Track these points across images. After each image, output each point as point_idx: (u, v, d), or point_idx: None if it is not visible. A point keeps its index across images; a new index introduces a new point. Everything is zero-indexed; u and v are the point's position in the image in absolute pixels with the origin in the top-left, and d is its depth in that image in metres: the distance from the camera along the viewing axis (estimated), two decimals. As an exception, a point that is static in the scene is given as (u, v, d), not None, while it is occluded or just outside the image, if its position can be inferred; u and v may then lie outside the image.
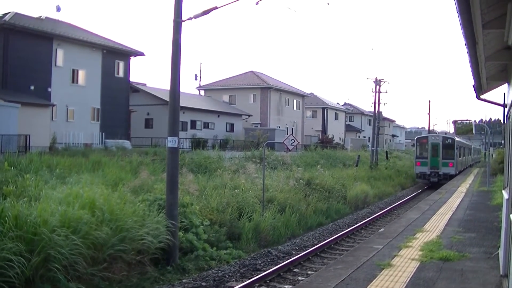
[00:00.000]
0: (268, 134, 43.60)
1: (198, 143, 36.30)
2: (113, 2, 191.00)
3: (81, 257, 8.71)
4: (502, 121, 14.78)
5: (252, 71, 57.19)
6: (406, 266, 9.31)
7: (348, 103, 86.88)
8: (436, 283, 8.18)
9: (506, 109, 9.89)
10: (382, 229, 16.06)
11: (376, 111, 46.67)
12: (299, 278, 11.60)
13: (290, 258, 13.13)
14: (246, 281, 10.83)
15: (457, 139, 37.97)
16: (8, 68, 27.79)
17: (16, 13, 29.80)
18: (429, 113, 57.99)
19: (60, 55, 30.79)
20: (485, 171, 41.14)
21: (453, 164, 35.41)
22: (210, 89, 56.03)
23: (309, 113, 66.93)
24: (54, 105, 29.46)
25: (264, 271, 11.74)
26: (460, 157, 39.08)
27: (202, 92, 56.86)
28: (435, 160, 35.30)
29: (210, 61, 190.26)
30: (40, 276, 8.17)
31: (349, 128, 78.50)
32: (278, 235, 15.92)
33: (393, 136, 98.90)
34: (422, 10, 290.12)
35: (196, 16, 12.18)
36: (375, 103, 46.27)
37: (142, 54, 37.15)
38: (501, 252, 8.95)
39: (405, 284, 8.11)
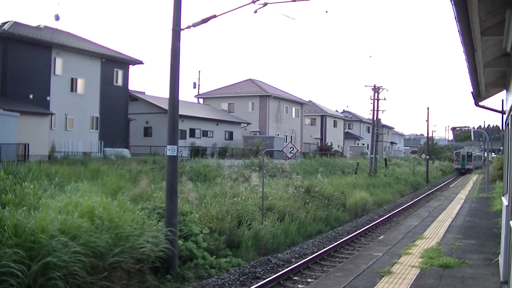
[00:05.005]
0: (267, 142, 43.59)
1: (197, 151, 36.24)
2: (112, 11, 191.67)
3: (80, 265, 8.68)
4: (500, 128, 14.82)
5: (250, 79, 57.27)
6: (406, 273, 9.30)
7: (346, 111, 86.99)
8: (437, 290, 8.16)
9: (505, 116, 9.90)
10: (381, 237, 16.05)
11: (375, 119, 46.71)
12: (299, 286, 11.57)
13: (290, 266, 13.08)
14: (246, 289, 10.78)
15: (474, 152, 78.60)
16: (7, 77, 27.79)
17: (15, 22, 29.86)
18: (427, 120, 57.72)
19: (59, 64, 30.82)
20: (484, 177, 41.21)
21: (472, 164, 71.10)
22: (209, 97, 56.07)
23: (308, 121, 66.96)
24: (53, 114, 29.45)
25: (264, 279, 11.69)
26: (474, 160, 74.76)
27: (201, 100, 56.89)
28: (464, 162, 70.83)
29: (209, 69, 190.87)
30: (40, 285, 8.13)
31: (348, 136, 78.52)
32: (277, 243, 15.87)
33: (392, 143, 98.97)
34: (421, 18, 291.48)
35: (194, 25, 12.22)
36: (373, 110, 46.32)
37: (141, 62, 37.22)
38: (501, 258, 8.94)
39: (406, 292, 8.10)
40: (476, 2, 4.98)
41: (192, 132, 42.93)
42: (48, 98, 29.85)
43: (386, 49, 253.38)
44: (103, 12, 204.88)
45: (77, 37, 35.01)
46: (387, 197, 31.99)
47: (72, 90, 31.94)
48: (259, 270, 12.71)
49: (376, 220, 22.25)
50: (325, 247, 15.84)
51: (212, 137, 45.26)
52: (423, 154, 63.52)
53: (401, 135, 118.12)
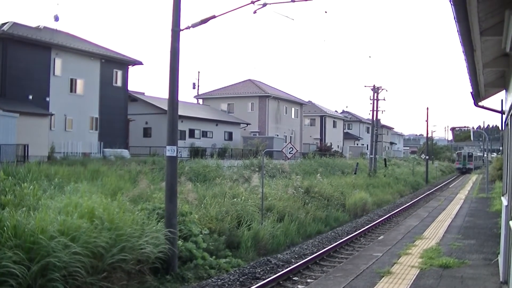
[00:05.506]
0: (267, 142, 43.58)
1: (196, 152, 36.23)
2: (112, 12, 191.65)
3: (80, 266, 8.67)
4: (500, 128, 14.82)
5: (250, 80, 57.28)
6: (406, 274, 9.30)
7: (346, 111, 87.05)
8: (437, 290, 8.16)
9: (504, 116, 9.91)
10: (381, 237, 16.05)
11: (374, 119, 46.70)
12: (299, 286, 11.56)
13: (290, 266, 13.08)
14: (245, 289, 10.77)
15: (474, 153, 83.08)
16: (6, 78, 27.80)
17: (14, 23, 29.88)
18: (427, 120, 57.64)
19: (58, 65, 30.83)
20: (483, 177, 41.27)
21: (472, 164, 74.18)
22: (208, 98, 56.07)
23: (307, 121, 66.98)
24: (53, 115, 29.47)
25: (264, 279, 11.69)
26: (475, 161, 78.39)
27: (200, 101, 56.90)
28: (465, 162, 73.52)
29: (208, 70, 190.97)
30: (40, 286, 8.12)
31: (347, 136, 78.55)
32: (277, 244, 15.86)
33: (392, 143, 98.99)
34: (421, 18, 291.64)
35: (194, 25, 12.21)
36: (373, 110, 46.31)
37: (140, 63, 37.22)
38: (500, 258, 8.94)
39: (406, 292, 8.10)
40: (476, 3, 4.98)
41: (192, 133, 42.94)
42: (47, 99, 29.87)
43: (385, 50, 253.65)
44: (103, 13, 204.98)
45: (76, 38, 35.02)
46: (387, 198, 31.97)
47: (71, 91, 31.95)
48: (259, 270, 12.70)
49: (376, 221, 22.25)
50: (324, 248, 15.83)
51: (212, 137, 45.26)
52: (423, 154, 63.57)
53: (401, 135, 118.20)
